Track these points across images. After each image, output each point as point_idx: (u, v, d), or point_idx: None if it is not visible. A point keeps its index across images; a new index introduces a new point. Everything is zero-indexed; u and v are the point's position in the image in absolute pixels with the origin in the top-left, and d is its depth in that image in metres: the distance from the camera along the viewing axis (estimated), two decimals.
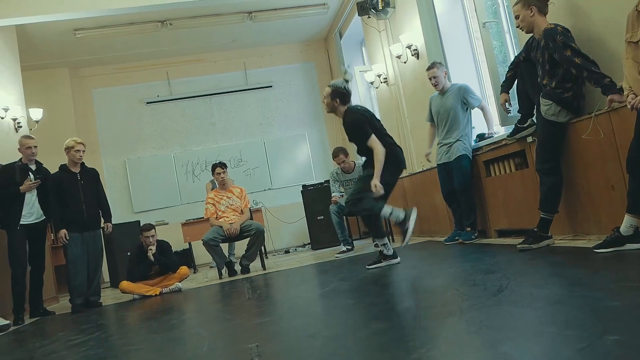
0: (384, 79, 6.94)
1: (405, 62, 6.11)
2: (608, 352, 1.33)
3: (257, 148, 8.94)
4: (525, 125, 3.67)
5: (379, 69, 6.98)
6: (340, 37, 8.57)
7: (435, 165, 4.85)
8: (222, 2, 6.69)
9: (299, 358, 1.88)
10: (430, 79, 4.64)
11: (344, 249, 5.69)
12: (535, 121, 3.55)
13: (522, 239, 3.46)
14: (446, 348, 1.69)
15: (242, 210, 5.73)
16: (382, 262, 3.95)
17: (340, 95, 3.94)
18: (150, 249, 5.02)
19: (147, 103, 8.81)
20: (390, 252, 3.97)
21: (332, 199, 5.78)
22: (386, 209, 3.79)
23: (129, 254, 5.40)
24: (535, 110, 3.50)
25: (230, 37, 8.43)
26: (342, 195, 5.81)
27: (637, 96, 2.47)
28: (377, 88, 7.32)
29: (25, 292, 4.62)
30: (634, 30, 2.55)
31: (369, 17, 6.46)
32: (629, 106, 2.53)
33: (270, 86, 9.18)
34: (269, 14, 7.70)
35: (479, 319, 1.92)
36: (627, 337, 1.41)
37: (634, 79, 2.52)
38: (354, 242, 6.33)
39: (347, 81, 3.98)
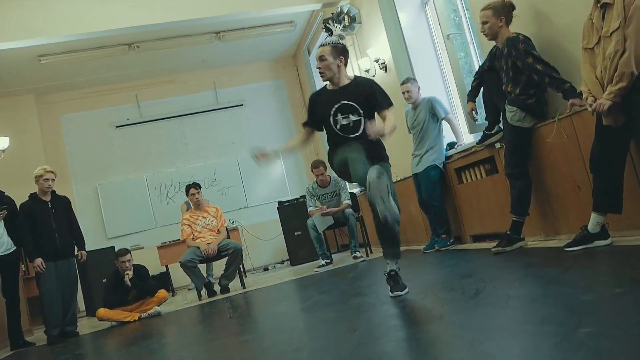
0: None
1: (374, 76, 6.22)
2: (582, 343, 1.38)
3: (231, 167, 8.91)
4: (492, 132, 3.78)
5: None
6: (309, 53, 8.66)
7: (411, 174, 4.93)
8: (189, 23, 6.69)
9: None
10: (403, 93, 4.73)
11: (323, 262, 5.70)
12: (502, 127, 3.66)
13: (496, 243, 3.53)
14: (429, 351, 1.72)
15: (218, 230, 5.70)
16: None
17: (344, 52, 3.03)
18: (127, 274, 4.94)
19: (117, 127, 8.70)
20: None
21: (310, 211, 5.79)
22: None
23: (104, 280, 5.30)
24: (501, 117, 3.60)
25: (199, 57, 8.43)
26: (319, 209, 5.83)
27: (596, 99, 2.58)
28: None
29: None
30: (589, 37, 2.67)
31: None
32: (589, 109, 2.64)
33: (242, 104, 9.19)
34: (236, 34, 7.74)
35: (459, 322, 1.97)
36: (599, 329, 1.47)
37: (592, 83, 2.63)
38: (333, 255, 6.34)
39: (341, 38, 3.13)
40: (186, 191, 5.83)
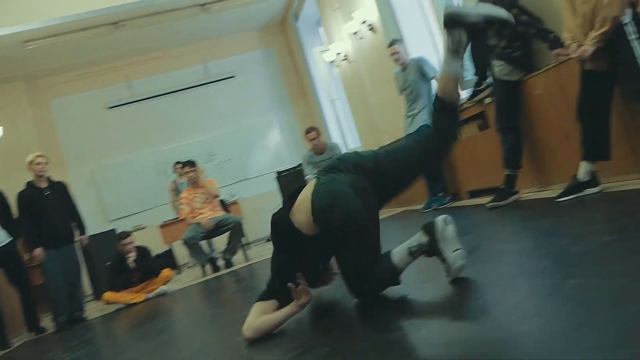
0: (344, 56, 6.95)
1: (362, 38, 6.13)
2: (569, 295, 1.41)
3: (227, 140, 8.88)
4: (481, 87, 3.75)
5: (338, 48, 6.99)
6: (296, 19, 8.52)
7: (404, 136, 4.92)
8: None
9: (287, 342, 1.93)
10: (392, 54, 4.69)
11: None
12: (492, 80, 3.63)
13: (491, 198, 3.55)
14: (426, 307, 1.76)
15: (216, 195, 5.74)
16: None
17: None
18: (130, 256, 5.00)
19: (110, 108, 8.65)
20: None
21: (307, 180, 5.79)
22: None
23: (108, 264, 5.36)
24: (489, 72, 3.57)
25: (186, 32, 8.31)
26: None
27: (579, 45, 2.55)
28: (338, 67, 7.33)
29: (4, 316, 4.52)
30: None
31: None
32: (574, 56, 2.60)
33: (233, 76, 9.09)
34: (221, 5, 7.60)
35: (455, 279, 1.98)
36: (586, 279, 1.49)
37: (575, 26, 2.59)
38: None
39: None
40: (181, 165, 5.87)
